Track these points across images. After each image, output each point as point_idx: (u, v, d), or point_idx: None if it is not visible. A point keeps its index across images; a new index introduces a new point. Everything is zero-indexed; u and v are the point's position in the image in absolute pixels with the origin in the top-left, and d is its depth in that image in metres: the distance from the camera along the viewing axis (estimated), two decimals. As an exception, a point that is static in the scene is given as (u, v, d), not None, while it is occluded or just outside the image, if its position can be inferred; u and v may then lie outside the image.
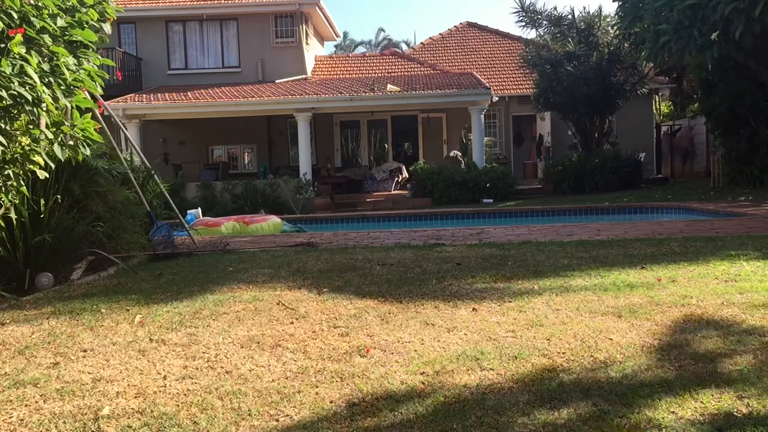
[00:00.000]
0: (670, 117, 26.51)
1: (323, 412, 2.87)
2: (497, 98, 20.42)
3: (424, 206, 16.67)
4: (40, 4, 4.76)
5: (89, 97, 5.82)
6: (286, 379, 3.28)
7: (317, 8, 21.22)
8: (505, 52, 24.63)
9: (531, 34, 20.30)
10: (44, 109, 4.85)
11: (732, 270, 5.32)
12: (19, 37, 4.40)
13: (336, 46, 45.41)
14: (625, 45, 17.83)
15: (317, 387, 3.15)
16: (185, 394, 3.12)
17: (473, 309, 4.42)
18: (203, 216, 13.14)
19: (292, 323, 4.26)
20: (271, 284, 5.49)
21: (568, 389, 2.98)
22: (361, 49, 45.48)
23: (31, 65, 4.45)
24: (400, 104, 18.99)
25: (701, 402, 2.78)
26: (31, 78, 4.48)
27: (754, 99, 14.90)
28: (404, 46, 43.50)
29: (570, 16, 19.33)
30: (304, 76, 21.27)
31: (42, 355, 3.78)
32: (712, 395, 2.85)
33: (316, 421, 2.78)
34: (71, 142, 5.25)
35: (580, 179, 17.79)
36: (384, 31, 47.09)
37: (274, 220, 11.50)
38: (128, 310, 4.78)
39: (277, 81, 20.54)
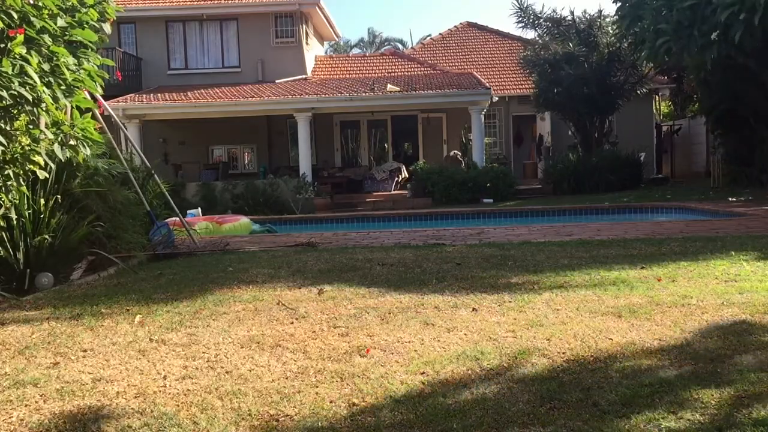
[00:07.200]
0: (670, 117, 26.47)
1: (323, 412, 2.87)
2: (497, 98, 20.40)
3: (424, 206, 16.66)
4: (40, 4, 4.76)
5: (89, 97, 5.83)
6: (286, 379, 3.28)
7: (317, 8, 21.21)
8: (505, 52, 24.60)
9: (530, 34, 20.31)
10: (44, 109, 4.86)
11: (732, 270, 5.32)
12: (20, 38, 4.40)
13: (331, 45, 45.20)
14: (625, 45, 17.82)
15: (317, 387, 3.15)
16: (185, 394, 3.12)
17: (473, 309, 4.42)
18: (203, 215, 13.21)
19: (292, 323, 4.27)
20: (271, 284, 5.49)
21: (568, 389, 2.98)
22: (356, 50, 45.27)
23: (31, 65, 4.46)
24: (400, 104, 18.97)
25: (701, 402, 2.78)
26: (32, 78, 4.48)
27: (754, 99, 14.88)
28: (400, 46, 43.31)
29: (570, 17, 19.34)
30: (304, 76, 21.25)
31: (42, 355, 3.78)
32: (712, 395, 2.85)
33: (316, 421, 2.78)
34: (72, 142, 5.25)
35: (579, 179, 17.77)
36: (377, 32, 46.71)
37: (244, 220, 11.94)
38: (128, 310, 4.78)
39: (277, 81, 20.53)
